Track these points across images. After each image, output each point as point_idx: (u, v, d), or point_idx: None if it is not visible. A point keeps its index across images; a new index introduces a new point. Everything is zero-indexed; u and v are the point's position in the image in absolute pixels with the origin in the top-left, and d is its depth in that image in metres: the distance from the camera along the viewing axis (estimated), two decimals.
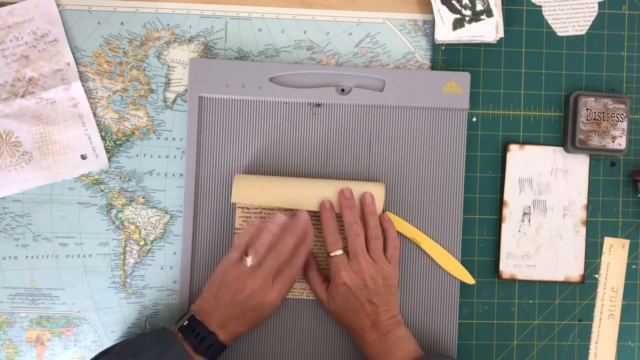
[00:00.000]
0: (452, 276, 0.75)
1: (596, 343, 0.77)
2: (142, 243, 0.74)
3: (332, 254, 0.70)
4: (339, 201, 0.71)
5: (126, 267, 0.74)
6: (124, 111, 0.74)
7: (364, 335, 0.69)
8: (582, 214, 0.77)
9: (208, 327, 0.65)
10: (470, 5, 0.74)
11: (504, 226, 0.76)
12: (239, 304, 0.66)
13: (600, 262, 0.78)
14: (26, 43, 0.73)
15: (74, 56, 0.74)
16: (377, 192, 0.72)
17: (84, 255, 0.74)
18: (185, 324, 0.66)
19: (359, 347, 0.71)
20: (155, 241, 0.74)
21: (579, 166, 0.77)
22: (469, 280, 0.75)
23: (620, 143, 0.76)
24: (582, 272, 0.77)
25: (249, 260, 0.67)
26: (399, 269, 0.72)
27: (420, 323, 0.74)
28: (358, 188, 0.72)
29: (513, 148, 0.77)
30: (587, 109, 0.75)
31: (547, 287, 0.77)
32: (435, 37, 0.75)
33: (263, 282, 0.66)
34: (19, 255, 0.73)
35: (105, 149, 0.74)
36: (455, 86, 0.74)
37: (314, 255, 0.73)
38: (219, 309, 0.66)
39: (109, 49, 0.74)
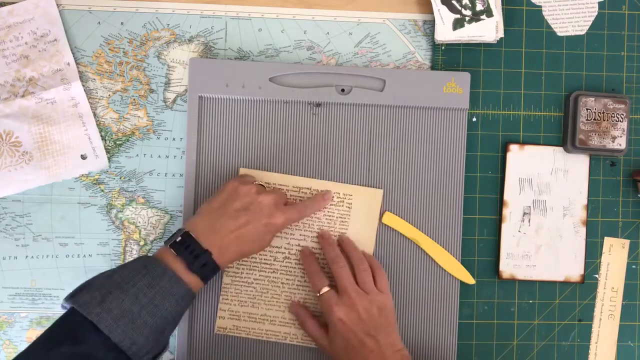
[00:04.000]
0: (452, 276, 0.75)
1: (596, 343, 0.77)
2: (142, 243, 0.74)
3: (320, 293, 0.68)
4: (320, 242, 0.72)
5: None
6: (124, 111, 0.74)
7: None
8: (582, 214, 0.77)
9: (202, 244, 0.62)
10: (470, 5, 0.74)
11: (504, 226, 0.76)
12: (241, 217, 0.64)
13: (600, 262, 0.78)
14: (26, 43, 0.73)
15: (74, 56, 0.73)
16: (375, 197, 0.72)
17: (84, 255, 0.74)
18: (178, 240, 0.62)
19: None
20: (155, 241, 0.74)
21: (579, 166, 0.77)
22: (469, 280, 0.75)
23: (620, 143, 0.76)
24: (582, 272, 0.77)
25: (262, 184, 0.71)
26: (392, 297, 0.69)
27: (420, 323, 0.74)
28: (358, 191, 0.72)
29: (513, 148, 0.77)
30: (587, 109, 0.75)
31: (547, 287, 0.77)
32: (435, 37, 0.75)
33: (277, 199, 0.67)
34: (19, 255, 0.73)
35: (105, 149, 0.74)
36: (455, 86, 0.74)
37: (306, 306, 0.72)
38: (215, 225, 0.64)
39: (109, 49, 0.74)
